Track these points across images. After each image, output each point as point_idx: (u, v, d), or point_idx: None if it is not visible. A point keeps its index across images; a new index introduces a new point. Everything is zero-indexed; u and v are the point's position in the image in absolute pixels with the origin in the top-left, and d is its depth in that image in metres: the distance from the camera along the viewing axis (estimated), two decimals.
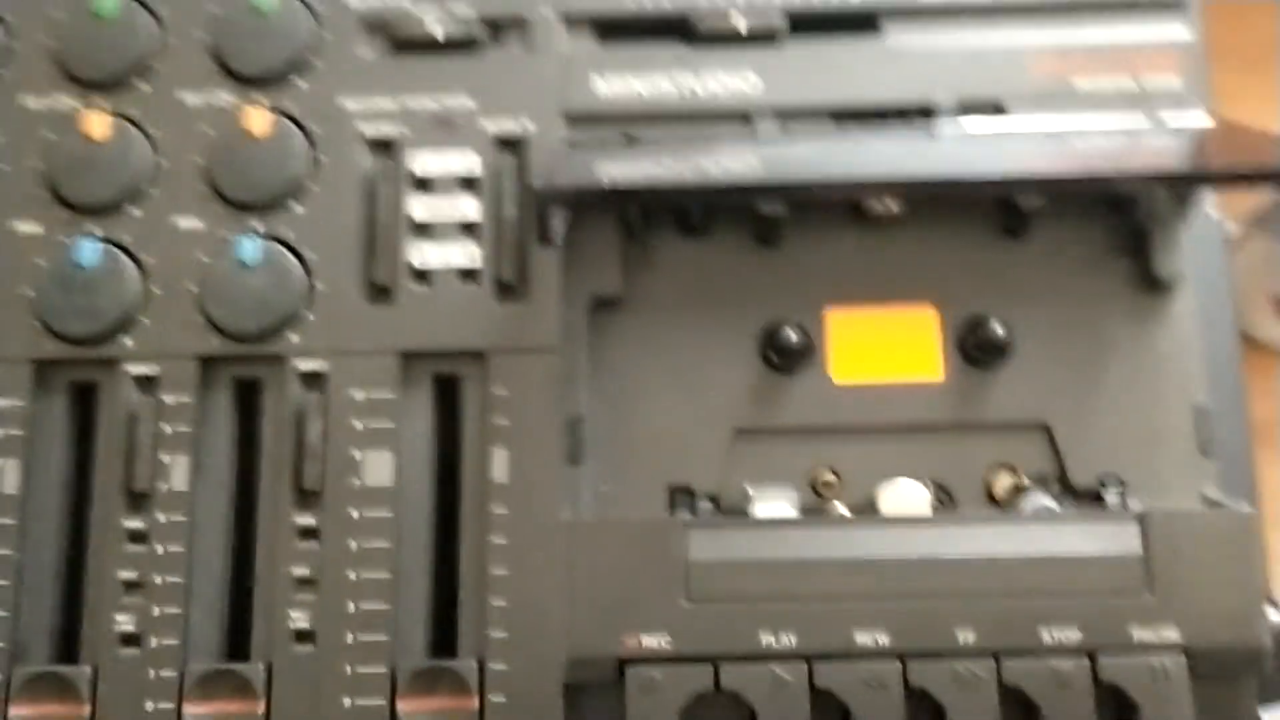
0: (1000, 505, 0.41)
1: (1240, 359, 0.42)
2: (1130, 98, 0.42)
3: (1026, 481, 0.42)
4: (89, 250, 0.41)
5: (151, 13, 0.43)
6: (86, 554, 0.40)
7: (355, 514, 0.40)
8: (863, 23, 0.43)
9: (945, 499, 0.41)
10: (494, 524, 0.39)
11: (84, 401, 0.41)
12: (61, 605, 0.40)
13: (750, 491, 0.41)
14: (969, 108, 0.42)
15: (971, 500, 0.41)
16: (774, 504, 0.40)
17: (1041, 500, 0.41)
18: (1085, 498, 0.41)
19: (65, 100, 0.43)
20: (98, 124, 0.42)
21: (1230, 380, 0.42)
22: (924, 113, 0.42)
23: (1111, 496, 0.41)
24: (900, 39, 0.43)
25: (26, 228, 0.42)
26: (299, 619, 0.39)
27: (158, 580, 0.39)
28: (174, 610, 0.39)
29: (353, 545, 0.39)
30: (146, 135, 0.42)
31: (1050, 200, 0.42)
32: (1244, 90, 0.56)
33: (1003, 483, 0.42)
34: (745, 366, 0.43)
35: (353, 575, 0.39)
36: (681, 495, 0.41)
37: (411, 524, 0.40)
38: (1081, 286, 0.43)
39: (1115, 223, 0.43)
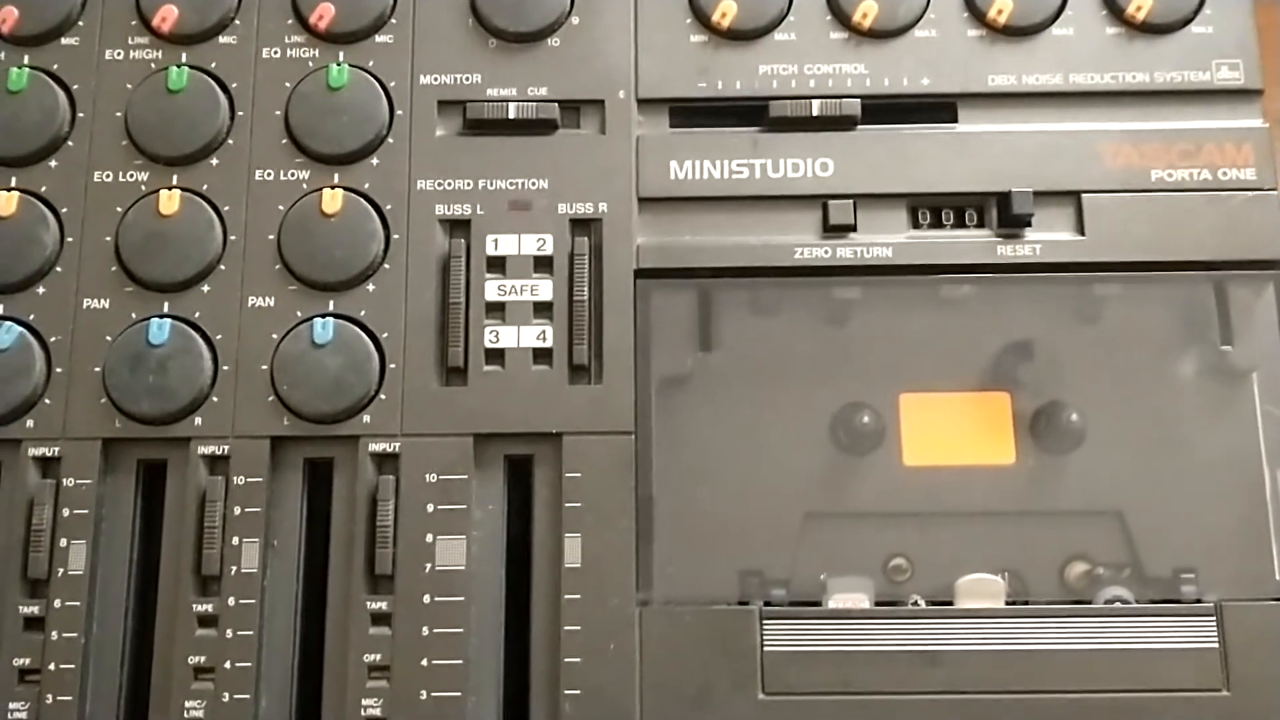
0: (1073, 591, 0.41)
1: None
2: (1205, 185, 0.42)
3: (1100, 570, 0.41)
4: (160, 328, 0.41)
5: (224, 88, 0.43)
6: (154, 637, 0.40)
7: (428, 599, 0.39)
8: (939, 110, 0.43)
9: (1018, 586, 0.41)
10: (566, 610, 0.39)
11: (152, 481, 0.41)
12: (128, 689, 0.40)
13: (826, 580, 0.41)
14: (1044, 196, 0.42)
15: (1044, 586, 0.41)
16: (851, 595, 0.40)
17: (1115, 590, 0.41)
18: (1158, 584, 0.41)
19: (136, 175, 0.42)
20: (168, 199, 0.42)
21: None
22: (1000, 200, 0.42)
23: (1187, 587, 0.41)
24: (975, 126, 0.43)
25: (96, 304, 0.41)
26: (371, 706, 0.38)
27: (227, 665, 0.39)
28: (244, 696, 0.38)
29: (425, 631, 0.39)
30: (217, 211, 0.42)
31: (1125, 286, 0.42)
32: None
33: (1075, 570, 0.42)
34: (817, 448, 0.42)
35: (425, 662, 0.39)
36: (752, 579, 0.41)
37: (483, 608, 0.40)
38: (1156, 372, 0.43)
39: (1192, 309, 0.43)
